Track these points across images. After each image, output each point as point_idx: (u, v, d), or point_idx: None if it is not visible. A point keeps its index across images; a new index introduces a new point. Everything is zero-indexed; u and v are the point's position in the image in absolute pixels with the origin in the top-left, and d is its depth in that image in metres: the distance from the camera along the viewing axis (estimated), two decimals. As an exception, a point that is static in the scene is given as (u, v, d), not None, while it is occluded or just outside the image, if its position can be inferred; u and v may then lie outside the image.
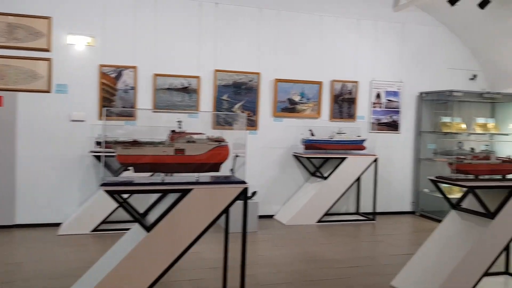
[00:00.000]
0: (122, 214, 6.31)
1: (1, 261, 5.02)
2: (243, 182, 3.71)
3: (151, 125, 6.78)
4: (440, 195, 7.45)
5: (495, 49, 7.93)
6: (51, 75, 6.47)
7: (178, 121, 3.77)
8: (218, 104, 7.30)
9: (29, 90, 6.40)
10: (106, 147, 3.80)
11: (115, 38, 6.76)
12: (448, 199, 4.45)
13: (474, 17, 7.56)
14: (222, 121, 7.38)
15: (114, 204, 5.97)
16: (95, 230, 6.24)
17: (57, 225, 6.44)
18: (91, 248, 5.66)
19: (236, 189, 3.64)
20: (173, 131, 3.71)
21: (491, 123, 8.01)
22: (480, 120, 7.98)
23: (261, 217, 7.09)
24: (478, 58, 8.38)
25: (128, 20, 6.82)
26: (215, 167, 3.81)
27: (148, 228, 3.39)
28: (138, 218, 3.47)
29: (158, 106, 6.97)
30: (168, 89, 7.03)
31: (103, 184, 3.30)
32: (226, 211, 3.62)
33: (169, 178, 3.68)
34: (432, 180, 4.30)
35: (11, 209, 6.40)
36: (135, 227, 3.81)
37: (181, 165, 3.64)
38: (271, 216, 7.52)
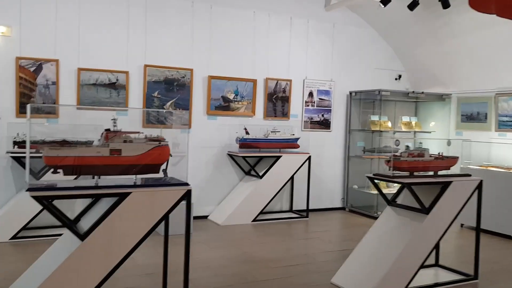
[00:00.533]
0: (44, 220, 5.84)
1: None
2: (186, 184, 3.52)
3: (75, 123, 6.31)
4: (368, 191, 7.84)
5: (418, 50, 8.36)
6: (-41, 67, 5.79)
7: (113, 119, 3.49)
8: (148, 101, 6.98)
9: None
10: (31, 148, 3.41)
11: (34, 28, 6.19)
12: (384, 195, 4.56)
13: (398, 18, 7.91)
14: (153, 119, 7.06)
15: (35, 209, 5.57)
16: (14, 237, 5.68)
17: (-32, 234, 5.78)
18: (11, 258, 5.13)
19: (179, 192, 3.45)
20: (107, 129, 3.42)
21: (414, 121, 8.44)
22: (405, 119, 8.38)
23: (195, 218, 6.90)
24: (402, 58, 8.80)
25: (49, 9, 6.27)
26: (154, 168, 3.58)
27: (82, 236, 3.09)
28: (70, 225, 3.15)
29: (83, 103, 6.50)
30: (94, 84, 6.59)
31: (31, 189, 2.95)
32: (168, 215, 3.41)
33: (103, 181, 3.39)
34: (369, 177, 4.38)
35: None
36: (66, 234, 3.48)
37: (117, 167, 3.37)
38: (205, 217, 7.35)
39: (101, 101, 6.63)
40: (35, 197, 2.95)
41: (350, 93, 8.39)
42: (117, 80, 6.72)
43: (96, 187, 3.21)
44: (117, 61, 6.70)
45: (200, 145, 7.27)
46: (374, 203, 7.77)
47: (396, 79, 8.80)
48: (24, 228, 5.76)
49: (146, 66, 6.88)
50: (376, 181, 4.52)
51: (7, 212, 5.77)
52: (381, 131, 7.93)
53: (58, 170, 3.15)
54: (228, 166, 7.59)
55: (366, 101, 8.30)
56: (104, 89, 6.66)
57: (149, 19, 6.90)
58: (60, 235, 5.22)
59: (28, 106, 3.15)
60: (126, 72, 6.75)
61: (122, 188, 3.24)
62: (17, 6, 6.08)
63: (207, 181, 7.41)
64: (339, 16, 8.28)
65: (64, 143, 3.18)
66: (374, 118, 8.02)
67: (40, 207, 5.35)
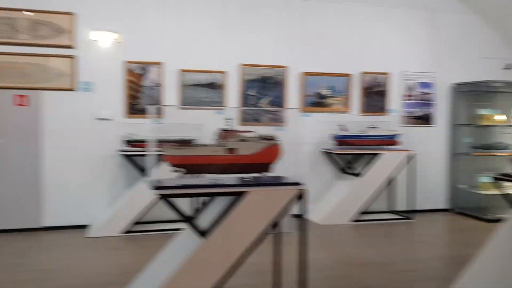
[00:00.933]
0: (150, 215, 6.10)
1: (29, 268, 4.75)
2: (299, 184, 3.46)
3: (178, 122, 6.52)
4: (478, 192, 7.18)
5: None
6: (75, 72, 6.22)
7: (228, 119, 3.52)
8: (245, 100, 7.03)
9: (53, 89, 6.18)
10: (153, 146, 3.54)
11: (140, 34, 6.52)
12: (508, 198, 4.14)
13: (508, 3, 7.23)
14: (250, 118, 7.11)
15: (145, 205, 5.85)
16: (126, 231, 6.00)
17: (83, 227, 6.22)
18: (124, 251, 5.43)
19: (292, 191, 3.39)
20: (223, 129, 3.45)
21: (530, 115, 7.65)
22: (519, 112, 7.63)
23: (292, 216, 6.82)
24: (513, 46, 8.04)
25: (153, 16, 6.58)
26: (266, 167, 3.55)
27: (205, 234, 3.12)
28: (193, 223, 3.20)
29: (185, 103, 6.71)
30: (194, 85, 6.77)
31: (157, 187, 3.04)
32: (285, 213, 3.37)
33: (215, 180, 3.41)
34: (495, 178, 4.00)
35: (37, 211, 6.20)
36: (185, 232, 3.56)
37: (233, 166, 3.38)
38: (299, 215, 7.22)
39: (201, 100, 6.80)
40: (162, 195, 3.03)
41: (455, 84, 7.82)
42: (217, 80, 6.84)
43: (217, 185, 3.23)
44: (215, 61, 6.84)
45: (295, 142, 7.17)
46: (487, 204, 7.11)
47: (505, 68, 8.04)
48: (135, 223, 6.06)
49: (242, 65, 6.94)
50: (500, 181, 4.11)
51: (120, 207, 6.09)
52: (493, 126, 7.29)
53: (180, 169, 3.21)
54: (322, 163, 7.42)
55: (472, 93, 7.67)
56: (205, 89, 6.82)
57: (244, 19, 6.97)
58: (165, 230, 5.47)
59: (151, 107, 3.26)
60: (224, 72, 6.85)
61: (243, 187, 3.24)
62: (124, 14, 6.45)
63: (302, 178, 7.27)
64: (439, 3, 7.75)
65: (185, 143, 3.25)
66: (483, 111, 7.38)
67: (149, 203, 5.72)
